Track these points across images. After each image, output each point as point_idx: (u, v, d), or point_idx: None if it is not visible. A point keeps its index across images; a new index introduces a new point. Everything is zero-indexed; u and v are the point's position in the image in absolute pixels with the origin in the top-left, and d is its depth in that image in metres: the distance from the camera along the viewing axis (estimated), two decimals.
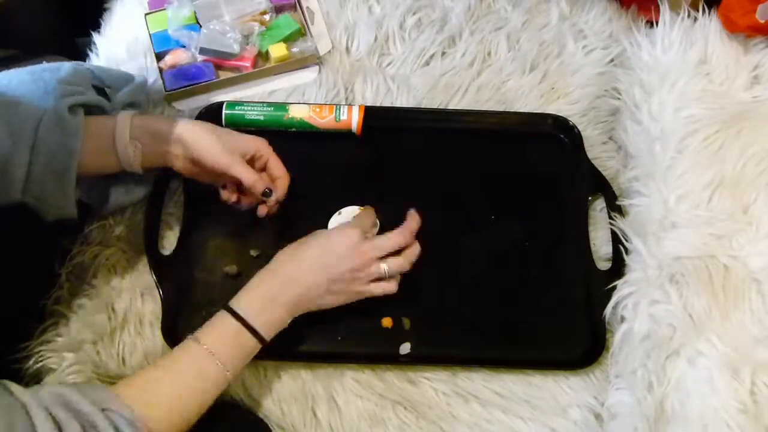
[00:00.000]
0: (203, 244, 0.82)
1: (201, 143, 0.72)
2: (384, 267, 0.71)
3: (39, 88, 0.68)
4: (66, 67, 0.72)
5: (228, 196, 0.78)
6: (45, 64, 0.72)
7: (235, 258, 0.81)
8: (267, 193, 0.75)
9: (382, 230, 0.82)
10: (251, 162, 0.76)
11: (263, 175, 0.77)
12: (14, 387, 0.52)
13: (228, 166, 0.73)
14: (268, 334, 0.67)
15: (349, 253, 0.69)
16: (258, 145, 0.77)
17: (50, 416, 0.51)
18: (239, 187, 0.78)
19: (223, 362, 0.63)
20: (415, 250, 0.74)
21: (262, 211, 0.79)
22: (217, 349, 0.63)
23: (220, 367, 0.63)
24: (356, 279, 0.70)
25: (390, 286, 0.72)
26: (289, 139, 0.88)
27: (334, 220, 0.82)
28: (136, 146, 0.71)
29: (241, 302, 0.67)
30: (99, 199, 0.80)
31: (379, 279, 0.72)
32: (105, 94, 0.77)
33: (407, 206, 0.79)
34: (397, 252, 0.73)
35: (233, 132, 0.76)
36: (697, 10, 0.86)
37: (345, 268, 0.69)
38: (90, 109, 0.72)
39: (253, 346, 0.66)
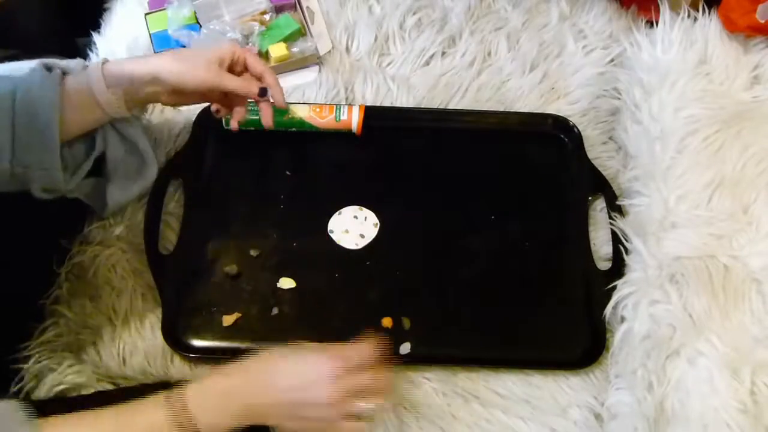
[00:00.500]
0: (203, 244, 0.82)
1: (176, 74, 0.71)
2: (361, 405, 0.61)
3: (18, 64, 0.68)
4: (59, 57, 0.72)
5: (224, 112, 0.78)
6: None
7: (235, 258, 0.81)
8: (263, 93, 0.74)
9: (382, 230, 0.82)
10: (230, 69, 0.75)
11: (248, 76, 0.76)
12: None
13: (216, 83, 0.71)
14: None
15: (323, 382, 0.60)
16: (230, 48, 0.74)
17: None
18: (224, 100, 0.77)
19: None
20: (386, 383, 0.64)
21: (234, 124, 0.78)
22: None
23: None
24: (324, 418, 0.61)
25: (354, 427, 0.62)
26: (289, 139, 0.88)
27: (334, 220, 0.83)
28: (116, 93, 0.70)
29: (196, 395, 0.59)
30: (99, 201, 0.80)
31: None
32: None
33: (407, 206, 0.79)
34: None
35: (202, 49, 0.75)
36: (697, 10, 0.86)
37: (315, 401, 0.60)
38: (68, 72, 0.71)
39: None
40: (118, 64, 0.71)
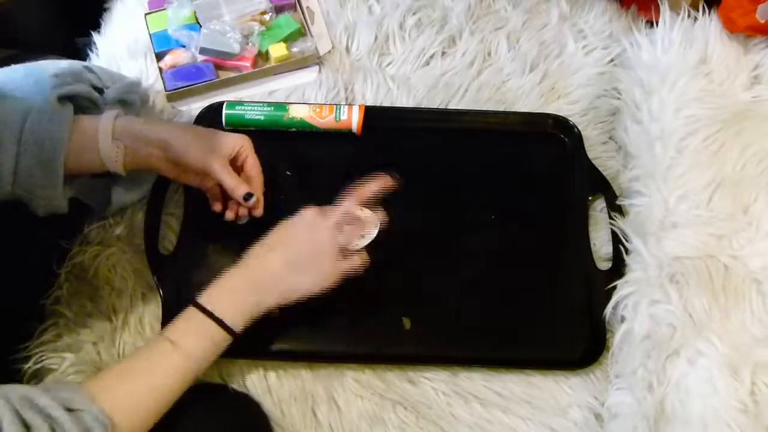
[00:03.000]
0: (203, 244, 0.82)
1: (182, 145, 0.72)
2: (340, 238, 0.71)
3: (30, 82, 0.68)
4: (61, 62, 0.72)
5: (218, 207, 0.79)
6: (42, 61, 0.72)
7: (236, 258, 0.80)
8: (247, 198, 0.75)
9: (382, 231, 0.82)
10: (232, 161, 0.76)
11: (243, 178, 0.77)
12: None
13: (209, 169, 0.73)
14: (236, 325, 0.66)
15: (305, 227, 0.70)
16: (240, 142, 0.76)
17: (18, 417, 0.51)
18: (217, 187, 0.78)
19: (191, 357, 0.63)
20: (378, 217, 0.73)
21: (230, 215, 0.79)
22: (185, 344, 0.63)
23: (187, 363, 0.63)
24: (318, 254, 0.70)
25: (355, 262, 0.71)
26: (289, 139, 0.88)
27: None
28: (119, 147, 0.70)
29: (209, 296, 0.66)
30: (100, 200, 0.80)
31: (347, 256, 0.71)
32: (100, 92, 0.78)
33: (407, 206, 0.79)
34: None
35: (216, 132, 0.76)
36: (697, 10, 0.86)
37: (302, 242, 0.69)
38: (80, 102, 0.72)
39: (222, 338, 0.65)
40: (131, 119, 0.73)
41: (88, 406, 0.55)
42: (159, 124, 0.73)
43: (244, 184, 0.75)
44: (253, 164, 0.78)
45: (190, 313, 0.65)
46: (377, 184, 0.74)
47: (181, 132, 0.73)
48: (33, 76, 0.69)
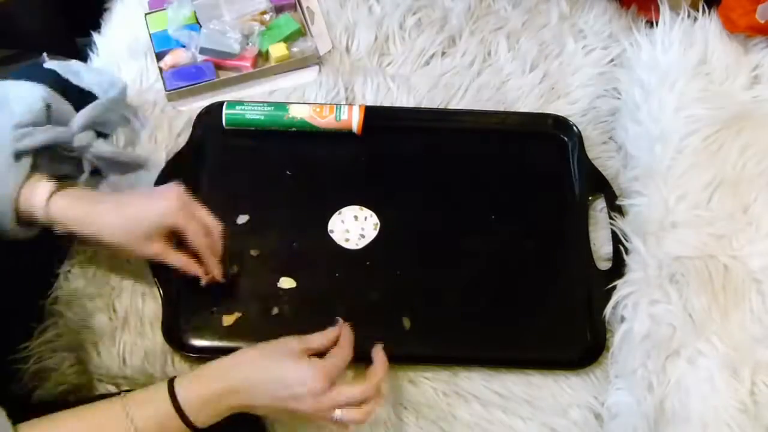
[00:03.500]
0: None
1: (123, 243, 0.68)
2: (338, 415, 0.64)
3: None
4: (26, 99, 0.68)
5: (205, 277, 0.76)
6: (10, 91, 0.69)
7: (235, 258, 0.81)
8: (198, 279, 0.73)
9: (382, 231, 0.82)
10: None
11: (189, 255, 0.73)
12: None
13: (160, 258, 0.71)
14: (199, 422, 0.61)
15: (307, 399, 0.63)
16: (173, 218, 0.69)
17: None
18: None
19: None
20: (372, 408, 0.66)
21: (204, 281, 0.75)
22: (141, 422, 0.59)
23: None
24: (308, 417, 0.67)
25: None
26: (289, 139, 0.88)
27: (334, 220, 0.83)
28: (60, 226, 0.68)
29: (188, 388, 0.61)
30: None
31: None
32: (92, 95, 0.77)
33: (407, 206, 0.79)
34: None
35: (145, 207, 0.70)
36: (697, 10, 0.86)
37: (299, 408, 0.63)
38: (44, 149, 0.68)
39: (177, 429, 0.61)
40: (65, 209, 0.67)
41: None
42: (90, 215, 0.68)
43: (192, 266, 0.73)
44: (194, 237, 0.71)
45: (161, 395, 0.61)
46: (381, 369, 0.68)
47: (116, 225, 0.68)
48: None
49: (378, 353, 0.69)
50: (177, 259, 0.72)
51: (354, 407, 0.65)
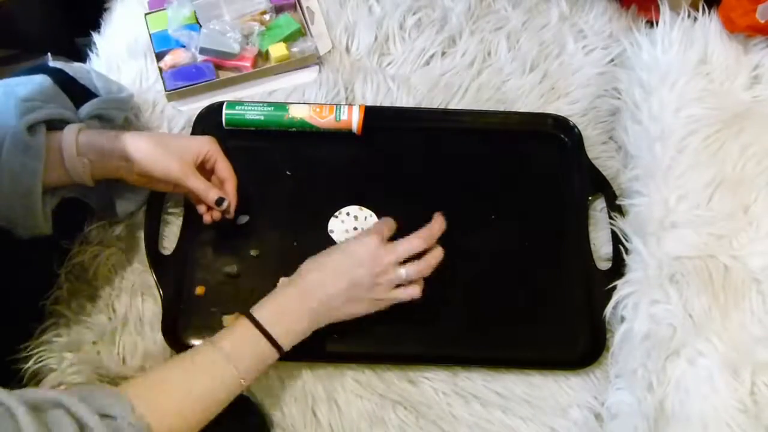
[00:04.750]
0: (203, 244, 0.82)
1: (145, 157, 0.71)
2: (402, 272, 0.70)
3: (3, 104, 0.67)
4: (34, 81, 0.71)
5: (202, 209, 0.78)
6: (11, 80, 0.71)
7: (235, 258, 0.81)
8: (219, 202, 0.75)
9: None
10: (201, 165, 0.75)
11: (214, 182, 0.77)
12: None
13: (176, 178, 0.72)
14: (286, 343, 0.66)
15: (367, 259, 0.69)
16: (207, 146, 0.75)
17: (42, 423, 0.49)
18: (192, 192, 0.76)
19: (239, 368, 0.62)
20: (437, 253, 0.72)
21: (206, 218, 0.78)
22: (234, 354, 0.63)
23: (234, 372, 0.62)
24: (376, 285, 0.69)
25: (413, 292, 0.71)
26: (289, 139, 0.88)
27: (334, 220, 0.83)
28: (84, 163, 0.69)
29: (263, 310, 0.66)
30: (105, 208, 0.80)
31: (401, 285, 0.71)
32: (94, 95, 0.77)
33: (407, 206, 0.79)
34: (418, 256, 0.71)
35: (181, 138, 0.76)
36: (697, 10, 0.86)
37: (363, 274, 0.68)
38: (53, 124, 0.70)
39: (270, 355, 0.65)
40: (93, 134, 0.71)
41: (123, 411, 0.54)
42: (121, 137, 0.71)
43: (215, 189, 0.75)
44: (223, 167, 0.77)
45: (243, 325, 0.65)
46: (438, 225, 0.74)
47: (144, 143, 0.71)
48: (6, 97, 0.68)
49: (438, 217, 0.74)
50: (200, 183, 0.74)
51: (415, 261, 0.70)
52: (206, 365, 0.62)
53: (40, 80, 0.71)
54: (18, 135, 0.65)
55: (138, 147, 0.71)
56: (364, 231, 0.74)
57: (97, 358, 0.76)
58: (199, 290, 0.79)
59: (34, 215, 0.68)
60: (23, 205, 0.67)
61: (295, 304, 0.67)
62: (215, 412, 0.62)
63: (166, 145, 0.73)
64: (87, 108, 0.75)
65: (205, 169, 0.77)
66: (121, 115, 0.83)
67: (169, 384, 0.60)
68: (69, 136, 0.69)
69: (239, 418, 0.70)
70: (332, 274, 0.69)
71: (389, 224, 0.74)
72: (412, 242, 0.71)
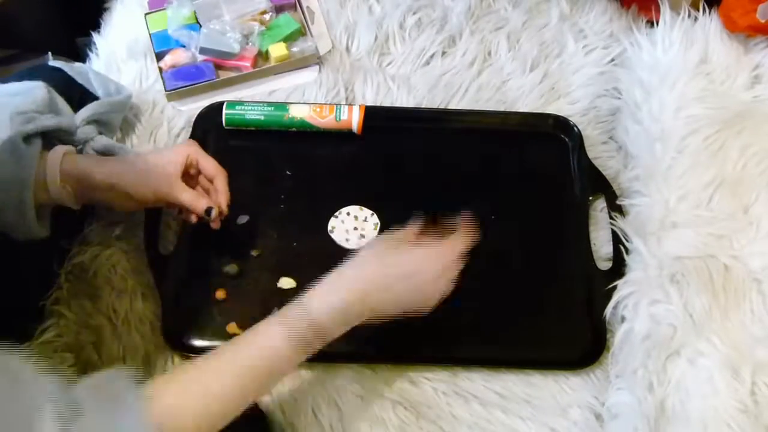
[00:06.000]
0: (203, 243, 0.82)
1: (132, 183, 0.70)
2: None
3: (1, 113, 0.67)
4: (29, 91, 0.70)
5: (193, 219, 0.76)
6: (7, 86, 0.70)
7: (236, 258, 0.81)
8: (208, 212, 0.74)
9: (382, 230, 0.82)
10: (186, 172, 0.74)
11: (203, 182, 0.76)
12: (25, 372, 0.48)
13: (167, 195, 0.71)
14: (327, 342, 0.63)
15: (437, 262, 0.68)
16: (186, 151, 0.74)
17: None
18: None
19: (293, 354, 0.60)
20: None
21: (193, 219, 0.76)
22: (291, 337, 0.59)
23: (291, 359, 0.60)
24: (436, 291, 0.68)
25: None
26: (289, 139, 0.88)
27: (334, 220, 0.83)
28: (67, 190, 0.68)
29: (321, 300, 0.63)
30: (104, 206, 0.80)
31: None
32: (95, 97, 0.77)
33: (407, 206, 0.79)
34: None
35: (159, 153, 0.73)
36: (698, 10, 0.86)
37: (430, 280, 0.67)
38: (49, 134, 0.70)
39: (313, 350, 0.62)
40: (74, 163, 0.69)
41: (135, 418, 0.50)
42: (103, 165, 0.70)
43: (203, 198, 0.74)
44: (207, 165, 0.75)
45: (295, 307, 0.62)
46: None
47: (126, 170, 0.70)
48: (2, 107, 0.67)
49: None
50: (184, 195, 0.72)
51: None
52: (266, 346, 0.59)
53: (36, 90, 0.71)
54: (12, 145, 0.65)
55: (121, 175, 0.70)
56: (434, 247, 0.69)
57: (97, 358, 0.76)
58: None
59: (27, 222, 0.67)
60: (16, 214, 0.66)
61: (355, 298, 0.63)
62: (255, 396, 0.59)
63: (147, 165, 0.71)
64: (84, 113, 0.75)
65: (190, 175, 0.75)
66: (119, 118, 0.82)
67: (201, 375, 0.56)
68: (52, 164, 0.67)
69: (248, 422, 0.69)
70: (397, 302, 0.66)
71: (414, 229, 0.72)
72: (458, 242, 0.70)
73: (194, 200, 0.73)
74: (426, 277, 0.67)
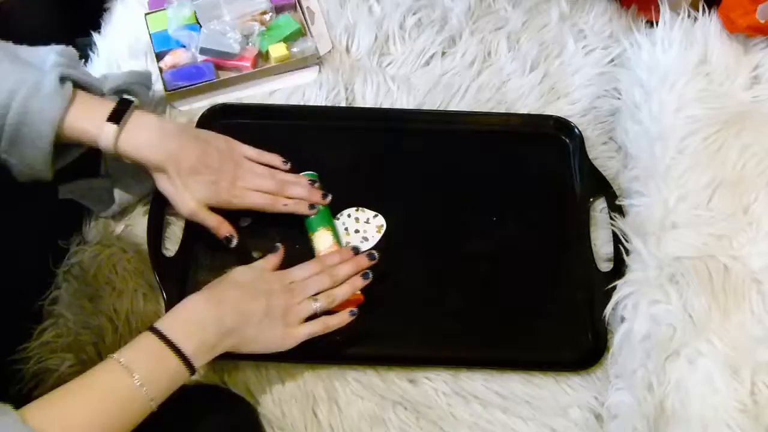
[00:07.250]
0: (206, 245, 0.81)
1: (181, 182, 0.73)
2: (315, 305, 0.70)
3: (30, 55, 0.68)
4: (64, 48, 0.71)
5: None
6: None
7: (239, 259, 0.80)
8: (228, 239, 0.76)
9: (383, 232, 0.82)
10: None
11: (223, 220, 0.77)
12: None
13: (197, 218, 0.75)
14: (196, 359, 0.61)
15: (283, 287, 0.70)
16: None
17: None
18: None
19: (144, 384, 0.57)
20: (346, 288, 0.73)
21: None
22: (139, 370, 0.57)
23: (141, 390, 0.57)
24: (290, 309, 0.69)
25: (318, 327, 0.71)
26: (289, 139, 0.88)
27: (336, 221, 0.82)
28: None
29: (167, 323, 0.62)
30: (100, 201, 0.80)
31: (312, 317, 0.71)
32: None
33: (407, 207, 0.79)
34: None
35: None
36: (697, 10, 0.86)
37: (279, 294, 0.69)
38: (79, 85, 0.70)
39: (179, 371, 0.60)
40: (151, 119, 0.72)
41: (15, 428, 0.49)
42: (161, 146, 0.72)
43: (225, 225, 0.76)
44: (256, 156, 0.79)
45: (148, 340, 0.61)
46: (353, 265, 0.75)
47: (184, 160, 0.73)
48: (32, 51, 0.68)
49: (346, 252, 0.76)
50: (209, 219, 0.76)
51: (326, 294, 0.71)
52: (110, 383, 0.57)
53: (71, 48, 0.71)
54: (47, 80, 0.64)
55: (177, 158, 0.72)
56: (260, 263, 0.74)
57: (97, 359, 0.76)
58: None
59: (41, 159, 0.66)
60: (31, 148, 0.65)
61: (211, 324, 0.63)
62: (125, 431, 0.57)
63: (183, 182, 0.74)
64: (111, 82, 0.74)
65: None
66: (145, 92, 0.81)
67: (72, 406, 0.55)
68: (108, 134, 0.68)
69: (225, 411, 0.69)
70: (250, 292, 0.67)
71: (279, 256, 0.76)
72: (308, 266, 0.73)
73: (216, 225, 0.76)
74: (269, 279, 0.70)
